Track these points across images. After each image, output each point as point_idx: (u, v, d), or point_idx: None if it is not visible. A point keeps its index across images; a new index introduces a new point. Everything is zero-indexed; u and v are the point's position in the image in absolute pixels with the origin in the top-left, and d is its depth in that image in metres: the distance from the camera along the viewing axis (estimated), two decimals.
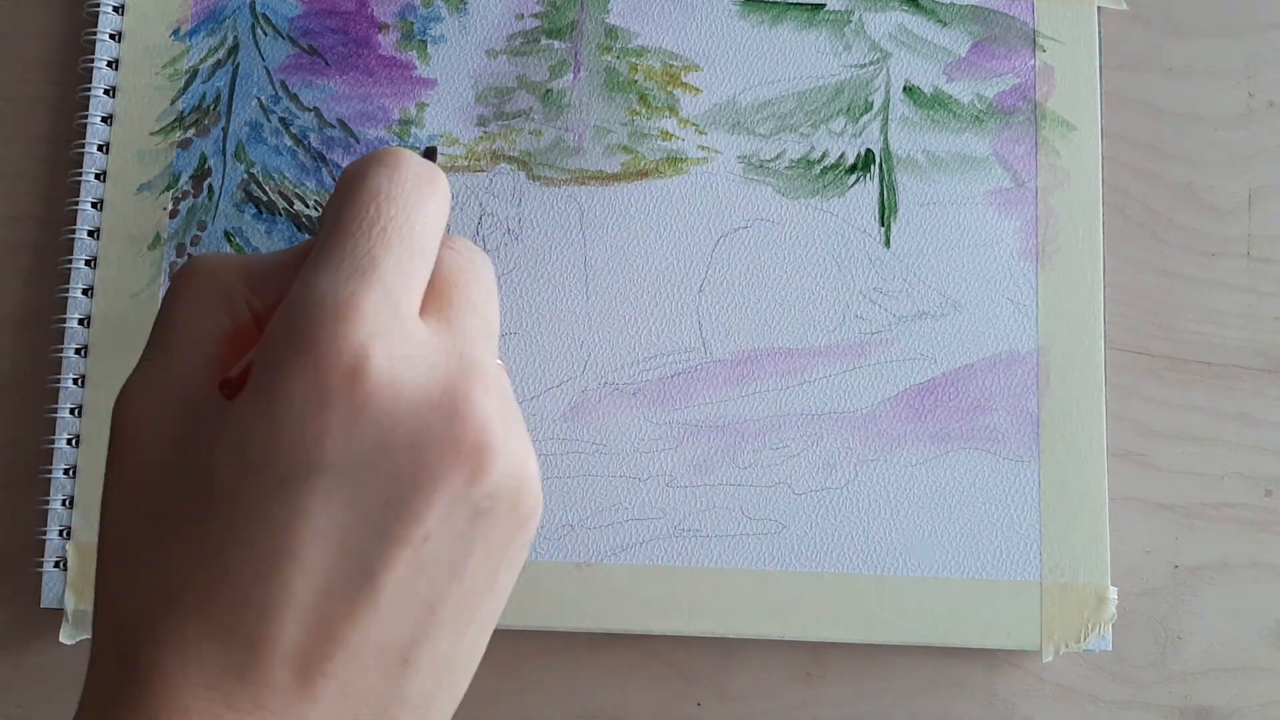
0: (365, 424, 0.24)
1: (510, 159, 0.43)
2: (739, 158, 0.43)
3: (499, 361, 0.28)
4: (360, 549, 0.24)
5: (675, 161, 0.43)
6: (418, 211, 0.27)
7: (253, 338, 0.27)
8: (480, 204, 0.43)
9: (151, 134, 0.43)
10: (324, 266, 0.25)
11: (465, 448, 0.25)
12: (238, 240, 0.43)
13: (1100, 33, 0.44)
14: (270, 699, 0.23)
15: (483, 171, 0.43)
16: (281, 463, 0.23)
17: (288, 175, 0.43)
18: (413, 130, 0.43)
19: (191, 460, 0.25)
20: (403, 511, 0.24)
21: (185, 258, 0.42)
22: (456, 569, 0.25)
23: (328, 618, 0.24)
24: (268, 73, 0.44)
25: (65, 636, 0.40)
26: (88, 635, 0.40)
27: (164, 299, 0.28)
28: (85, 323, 0.42)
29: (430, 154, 0.34)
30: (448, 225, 0.28)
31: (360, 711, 0.24)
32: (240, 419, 0.24)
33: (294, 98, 0.44)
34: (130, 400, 0.26)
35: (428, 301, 0.27)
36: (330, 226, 0.26)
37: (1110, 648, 0.41)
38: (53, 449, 0.41)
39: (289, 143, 0.43)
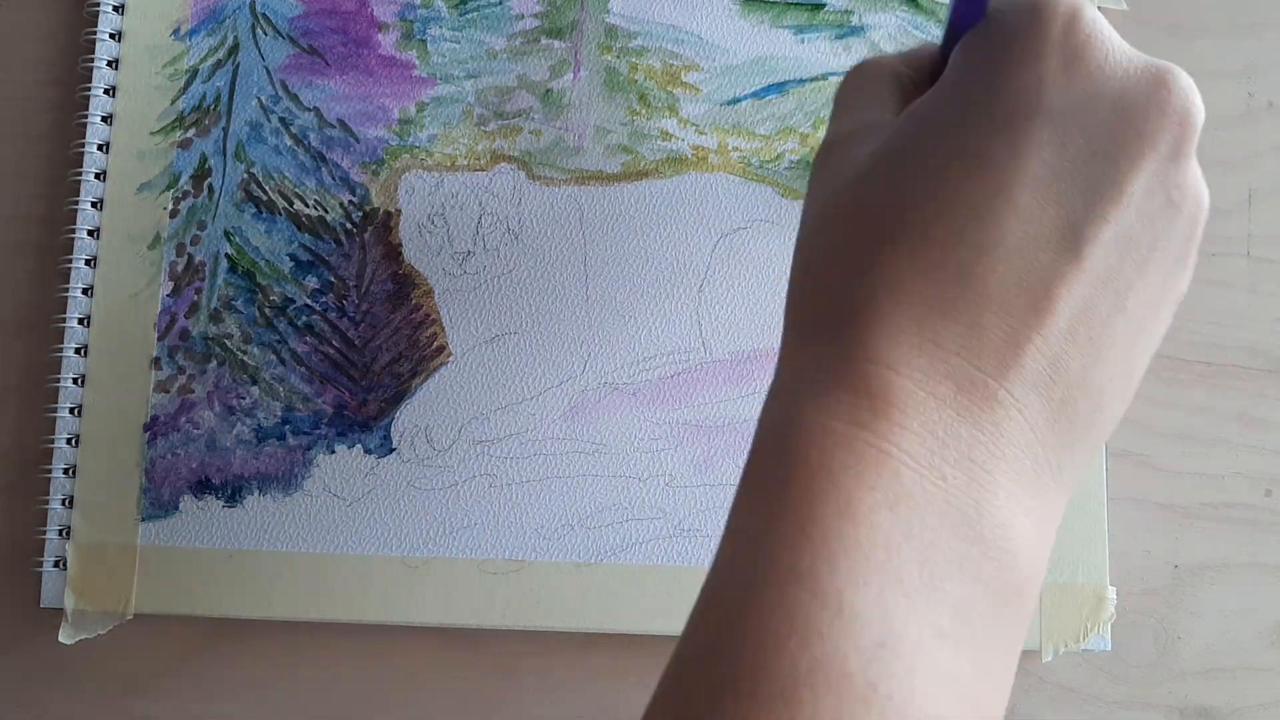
0: (1078, 71, 0.25)
1: (510, 159, 0.43)
2: (739, 158, 0.43)
3: None
4: (1069, 200, 0.24)
5: (675, 161, 0.43)
6: None
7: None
8: (480, 204, 0.43)
9: (152, 134, 0.43)
10: None
11: (1171, 113, 0.25)
12: (237, 240, 0.43)
13: None
14: (976, 342, 0.24)
15: (483, 171, 0.43)
16: (1000, 107, 0.25)
17: (288, 175, 0.43)
18: (412, 131, 0.43)
19: (917, 115, 0.26)
20: (1110, 168, 0.24)
21: (185, 257, 0.42)
22: (1144, 262, 0.25)
23: (1032, 267, 0.24)
24: (268, 73, 0.44)
25: (65, 636, 0.40)
26: (87, 635, 0.40)
27: (839, 90, 0.30)
28: (85, 323, 0.42)
29: None
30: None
31: (1056, 382, 0.24)
32: (965, 72, 0.26)
33: (294, 98, 0.43)
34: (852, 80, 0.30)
35: None
36: None
37: (1110, 648, 0.41)
38: (53, 449, 0.41)
39: (289, 142, 0.43)
